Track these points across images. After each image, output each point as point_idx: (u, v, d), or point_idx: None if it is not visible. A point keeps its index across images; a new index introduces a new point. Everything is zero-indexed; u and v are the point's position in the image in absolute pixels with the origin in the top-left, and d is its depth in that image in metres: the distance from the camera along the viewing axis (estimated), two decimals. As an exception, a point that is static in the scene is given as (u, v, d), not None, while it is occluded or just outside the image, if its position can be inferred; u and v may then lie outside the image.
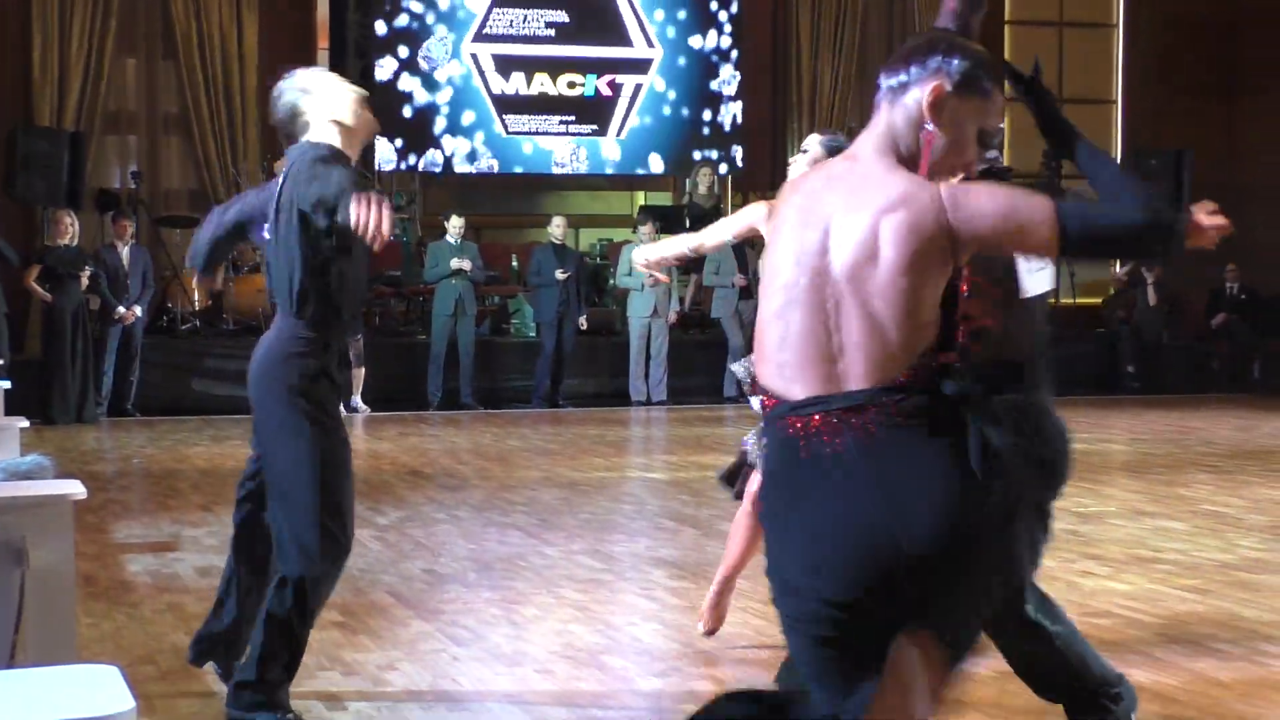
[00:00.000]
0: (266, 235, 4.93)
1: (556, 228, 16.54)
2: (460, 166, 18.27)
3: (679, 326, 17.13)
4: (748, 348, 6.07)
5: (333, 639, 6.19)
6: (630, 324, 16.69)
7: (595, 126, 18.60)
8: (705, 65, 19.02)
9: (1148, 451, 12.68)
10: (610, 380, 16.84)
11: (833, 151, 5.93)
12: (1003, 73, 3.07)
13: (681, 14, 18.97)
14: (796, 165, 5.97)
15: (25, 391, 14.13)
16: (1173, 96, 20.25)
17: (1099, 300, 19.76)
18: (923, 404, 2.84)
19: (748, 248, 14.80)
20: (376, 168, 17.99)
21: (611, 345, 17.10)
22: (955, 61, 2.98)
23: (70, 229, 14.65)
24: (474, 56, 18.19)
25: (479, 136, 18.25)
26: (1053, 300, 4.56)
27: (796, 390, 2.89)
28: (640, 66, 18.71)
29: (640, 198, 19.85)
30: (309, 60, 18.19)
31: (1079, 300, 18.97)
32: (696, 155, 18.71)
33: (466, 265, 15.82)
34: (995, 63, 3.00)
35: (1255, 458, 12.03)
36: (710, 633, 6.11)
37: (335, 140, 4.85)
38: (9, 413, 7.57)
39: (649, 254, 6.09)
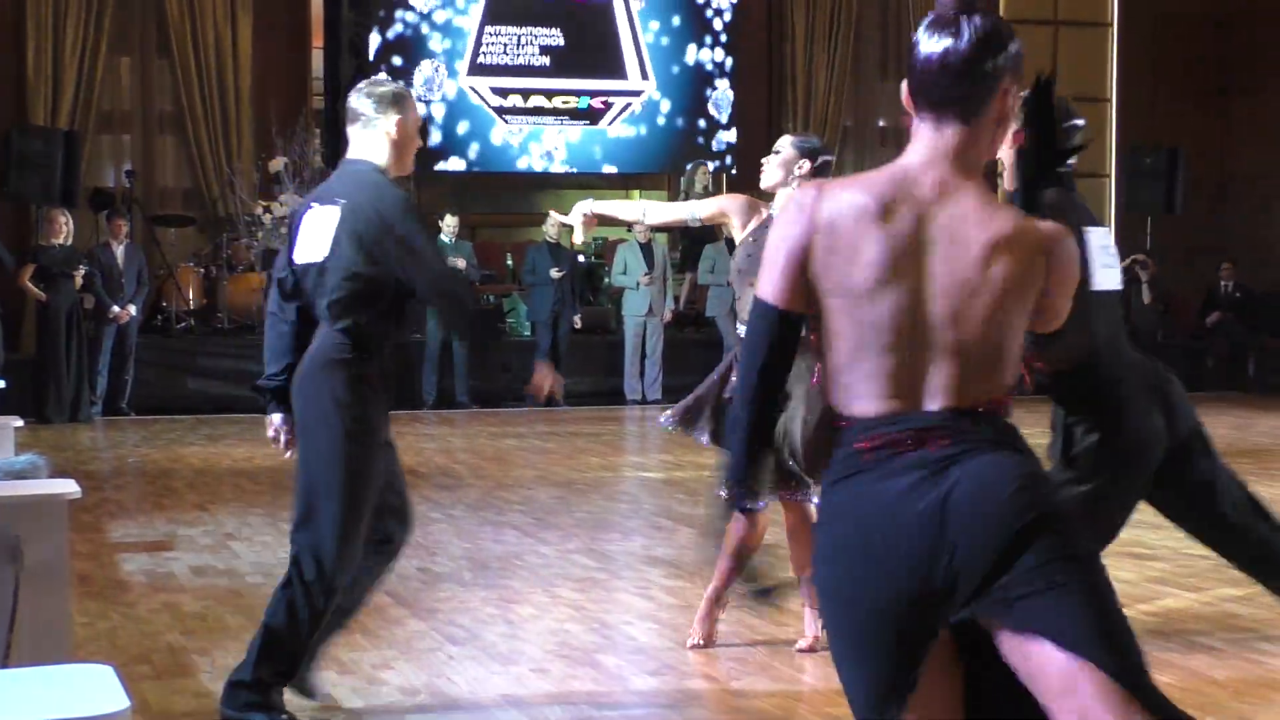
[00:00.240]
0: (305, 259, 4.90)
1: (551, 227, 16.54)
2: (454, 165, 18.26)
3: (674, 325, 17.12)
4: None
5: (328, 638, 6.19)
6: (625, 323, 16.69)
7: (588, 121, 18.61)
8: (699, 66, 19.00)
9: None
10: (605, 379, 16.83)
11: (806, 153, 5.91)
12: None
13: (676, 19, 18.96)
14: (769, 169, 5.92)
15: (20, 390, 14.12)
16: (1167, 94, 20.27)
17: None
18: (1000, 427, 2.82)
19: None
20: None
21: (606, 344, 17.10)
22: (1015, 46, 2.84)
23: (65, 228, 14.63)
24: (472, 88, 18.20)
25: (473, 136, 18.25)
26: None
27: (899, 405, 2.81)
28: (634, 93, 18.71)
29: (635, 196, 19.84)
30: (303, 59, 18.22)
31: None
32: (691, 154, 18.70)
33: (461, 264, 15.82)
34: None
35: (1250, 456, 12.04)
36: (701, 645, 6.06)
37: (385, 157, 4.91)
38: (3, 412, 7.56)
39: (592, 207, 6.06)
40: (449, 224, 16.17)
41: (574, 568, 7.71)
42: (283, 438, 5.05)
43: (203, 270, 16.61)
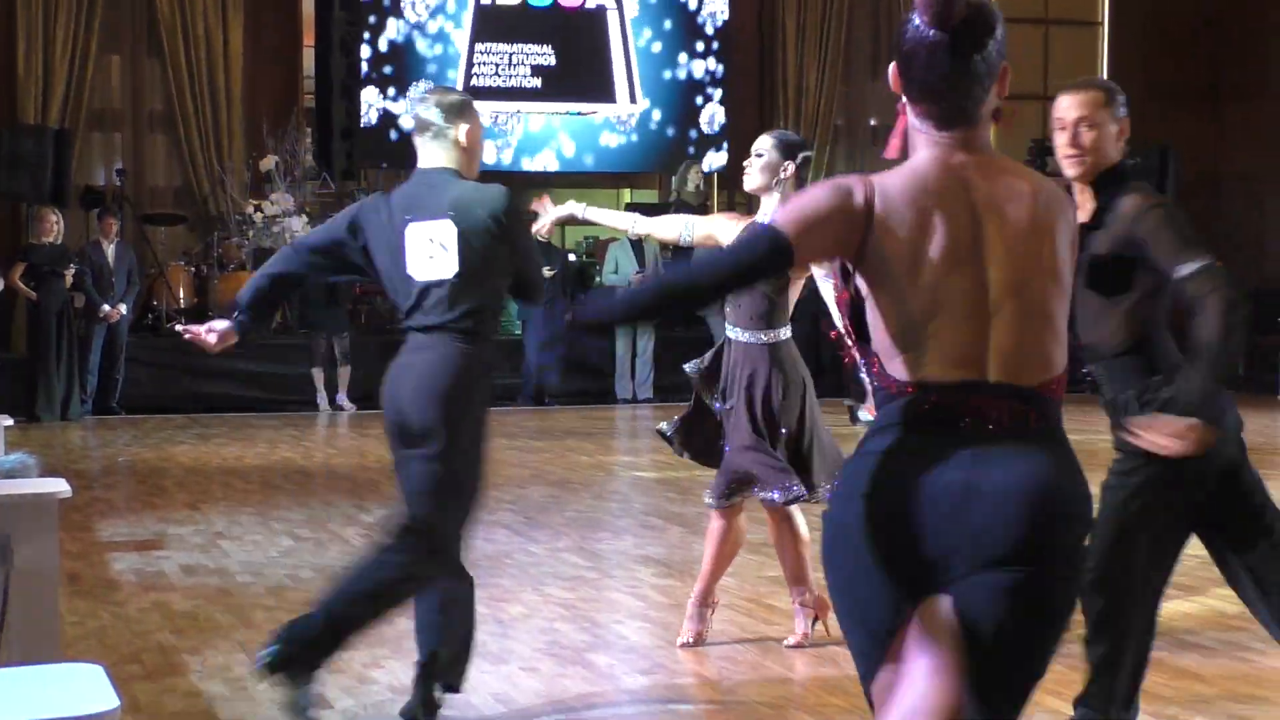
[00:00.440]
0: (428, 276, 4.95)
1: (543, 228, 16.48)
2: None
3: (665, 325, 17.10)
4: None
5: (318, 637, 6.18)
6: (616, 322, 16.64)
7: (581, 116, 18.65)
8: (689, 72, 18.99)
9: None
10: (596, 379, 16.83)
11: (788, 153, 5.86)
12: None
13: (668, 23, 18.95)
14: (752, 173, 5.86)
15: (10, 389, 14.15)
16: (1157, 94, 20.26)
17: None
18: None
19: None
20: (361, 124, 17.97)
21: (597, 344, 17.08)
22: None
23: (55, 227, 14.62)
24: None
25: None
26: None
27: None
28: (625, 109, 18.73)
29: (627, 195, 19.84)
30: (294, 58, 18.20)
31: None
32: (681, 153, 18.69)
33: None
34: None
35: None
36: (691, 643, 6.03)
37: (458, 163, 5.01)
38: (-7, 411, 7.55)
39: (584, 212, 6.03)
40: (440, 223, 16.12)
41: (564, 566, 7.71)
42: (214, 338, 5.04)
43: (193, 269, 16.59)
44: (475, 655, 5.86)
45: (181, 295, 16.32)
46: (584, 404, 16.32)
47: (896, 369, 2.85)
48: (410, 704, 5.04)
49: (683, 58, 18.95)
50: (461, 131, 4.99)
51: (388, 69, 17.91)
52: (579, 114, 18.58)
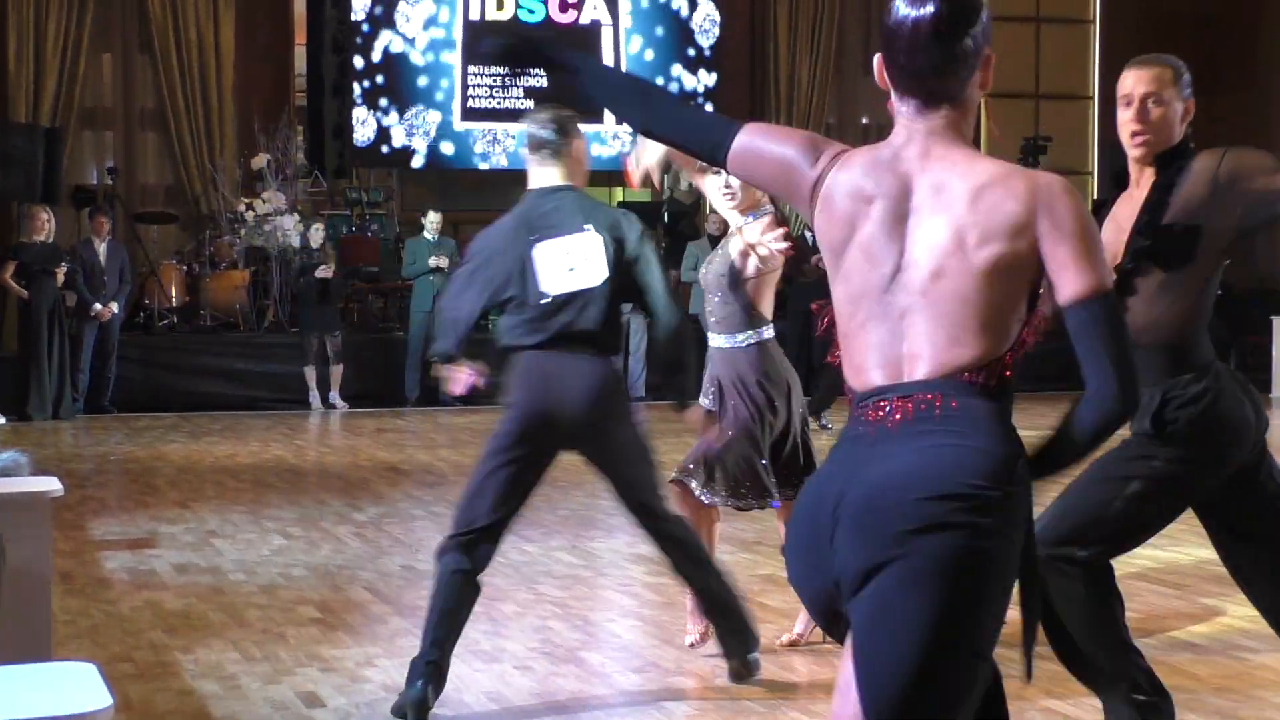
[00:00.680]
0: (569, 287, 5.14)
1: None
2: (437, 162, 18.25)
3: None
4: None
5: (311, 636, 6.18)
6: (608, 320, 16.64)
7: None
8: (683, 74, 19.00)
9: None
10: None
11: None
12: None
13: (660, 30, 18.94)
14: (743, 193, 5.74)
15: (1, 388, 14.12)
16: (1150, 92, 20.30)
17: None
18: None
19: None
20: (354, 144, 17.98)
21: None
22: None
23: (47, 225, 14.59)
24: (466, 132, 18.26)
25: (461, 144, 18.25)
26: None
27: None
28: (612, 128, 18.74)
29: (618, 194, 19.83)
30: (285, 55, 18.19)
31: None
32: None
33: (444, 262, 15.79)
34: None
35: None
36: (699, 643, 5.87)
37: (576, 178, 5.25)
38: (-15, 409, 7.55)
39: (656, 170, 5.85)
40: (432, 221, 16.14)
41: (557, 565, 7.71)
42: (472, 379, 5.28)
43: (185, 268, 16.57)
44: (468, 653, 5.86)
45: (173, 294, 16.31)
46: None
47: (845, 370, 2.81)
48: (403, 701, 5.03)
49: (676, 69, 18.93)
50: (574, 146, 5.21)
51: (379, 78, 17.90)
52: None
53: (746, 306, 5.77)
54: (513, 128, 18.38)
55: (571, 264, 5.10)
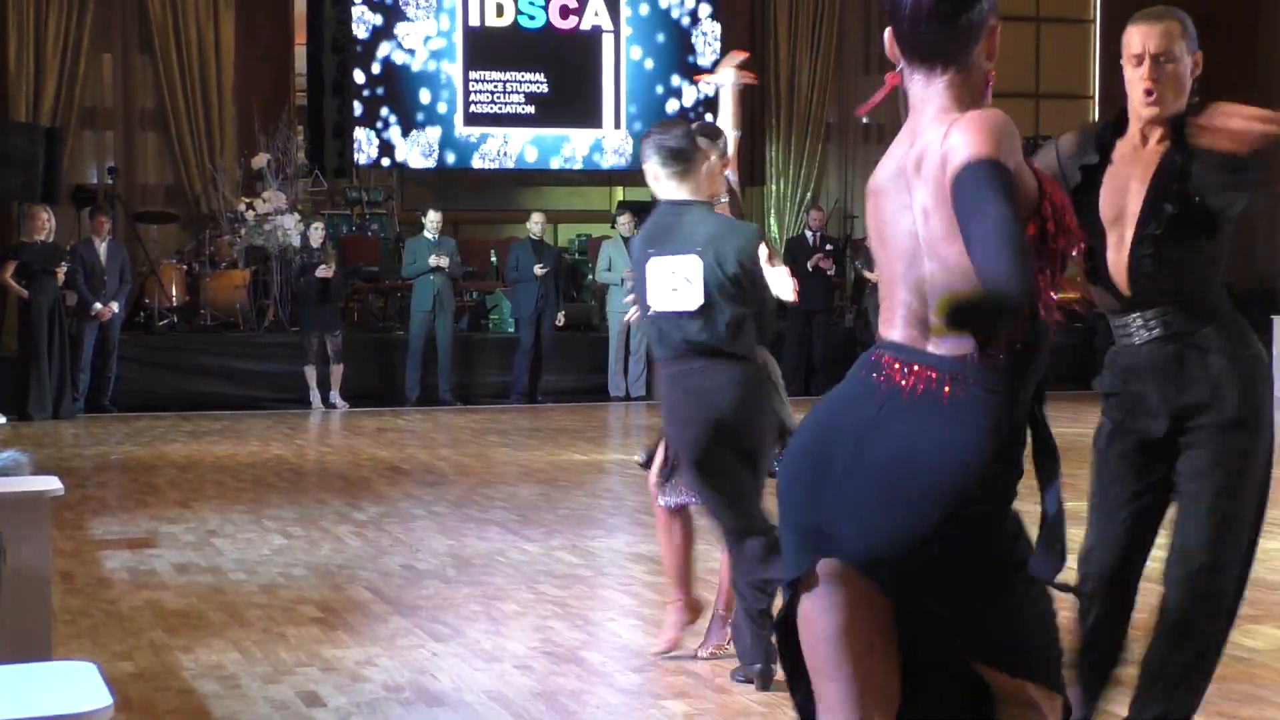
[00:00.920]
0: (667, 308, 5.23)
1: (535, 223, 16.53)
2: (438, 162, 18.25)
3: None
4: None
5: (311, 635, 6.18)
6: (610, 319, 16.66)
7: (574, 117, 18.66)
8: (683, 84, 19.00)
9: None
10: (588, 376, 16.82)
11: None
12: None
13: (660, 37, 18.93)
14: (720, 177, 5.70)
15: (1, 387, 14.13)
16: (1149, 92, 20.29)
17: (1074, 295, 19.80)
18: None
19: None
20: (355, 163, 18.00)
21: (590, 341, 17.09)
22: None
23: (47, 225, 14.59)
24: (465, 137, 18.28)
25: (458, 147, 18.25)
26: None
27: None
28: (611, 134, 18.74)
29: (619, 193, 19.83)
30: (285, 55, 18.19)
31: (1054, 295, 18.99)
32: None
33: (444, 261, 15.79)
34: None
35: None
36: (714, 655, 5.77)
37: (702, 192, 5.32)
38: (-15, 409, 7.55)
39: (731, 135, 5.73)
40: (432, 220, 16.14)
41: (557, 564, 7.71)
42: None
43: (185, 267, 16.57)
44: (468, 653, 5.87)
45: (174, 293, 16.31)
46: (576, 401, 16.32)
47: (880, 320, 2.97)
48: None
49: (674, 79, 18.92)
50: (700, 160, 5.25)
51: (379, 90, 17.90)
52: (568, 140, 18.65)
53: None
54: (513, 132, 18.43)
55: (675, 284, 5.18)
